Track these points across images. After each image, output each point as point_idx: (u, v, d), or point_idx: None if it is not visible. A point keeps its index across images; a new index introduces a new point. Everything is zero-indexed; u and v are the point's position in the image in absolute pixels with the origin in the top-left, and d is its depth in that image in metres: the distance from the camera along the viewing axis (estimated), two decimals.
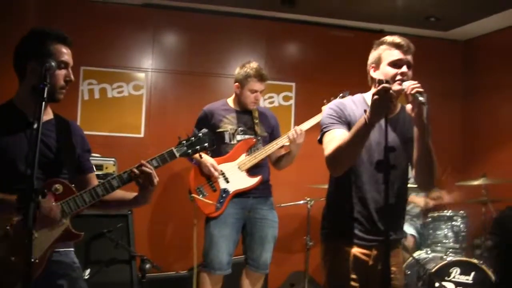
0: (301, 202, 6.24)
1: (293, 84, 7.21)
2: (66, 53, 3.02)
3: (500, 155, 7.06)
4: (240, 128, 5.26)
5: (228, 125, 5.24)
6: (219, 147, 5.16)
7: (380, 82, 3.10)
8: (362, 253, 3.34)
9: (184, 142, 3.27)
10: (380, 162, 3.26)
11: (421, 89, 3.05)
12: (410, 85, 3.07)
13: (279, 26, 7.26)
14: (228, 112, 5.29)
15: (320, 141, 3.36)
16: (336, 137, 3.23)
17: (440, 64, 7.80)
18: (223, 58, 7.06)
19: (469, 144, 7.77)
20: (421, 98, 3.03)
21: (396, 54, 3.31)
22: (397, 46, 3.32)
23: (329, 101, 4.87)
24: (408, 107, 3.15)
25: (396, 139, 3.39)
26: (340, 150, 3.14)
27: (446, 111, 7.83)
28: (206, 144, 3.31)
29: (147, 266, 5.00)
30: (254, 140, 5.25)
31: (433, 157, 3.28)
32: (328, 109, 3.39)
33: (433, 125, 7.22)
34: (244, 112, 5.33)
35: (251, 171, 5.23)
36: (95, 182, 3.19)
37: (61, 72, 3.00)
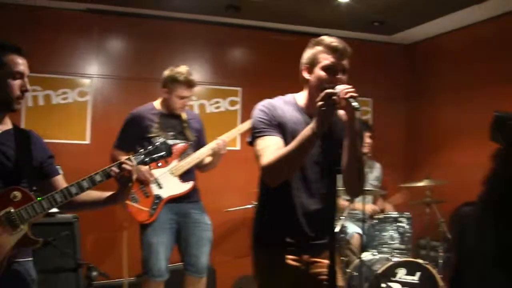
0: (249, 206, 6.25)
1: (239, 89, 7.24)
2: (21, 64, 3.07)
3: (443, 157, 7.19)
4: (170, 133, 5.24)
5: (158, 130, 5.19)
6: None
7: (324, 87, 3.07)
8: (293, 259, 3.28)
9: (142, 150, 3.27)
10: (310, 167, 3.22)
11: (355, 94, 2.94)
12: (344, 89, 2.95)
13: (225, 31, 7.27)
14: (156, 116, 5.25)
15: (251, 144, 3.28)
16: (272, 146, 3.14)
17: (385, 68, 7.92)
18: (169, 63, 6.91)
19: (413, 146, 7.91)
20: (354, 104, 2.92)
21: (331, 59, 3.19)
22: (333, 50, 3.18)
23: None
24: (341, 112, 3.07)
25: (328, 145, 3.30)
26: (282, 161, 3.06)
27: (390, 114, 7.96)
28: (164, 153, 3.32)
29: (94, 273, 4.92)
30: (186, 145, 5.23)
31: (363, 165, 3.22)
32: (258, 111, 3.27)
33: (378, 128, 7.38)
34: (172, 116, 5.30)
35: (183, 176, 5.22)
36: (63, 184, 3.21)
37: (17, 83, 3.04)
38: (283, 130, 3.23)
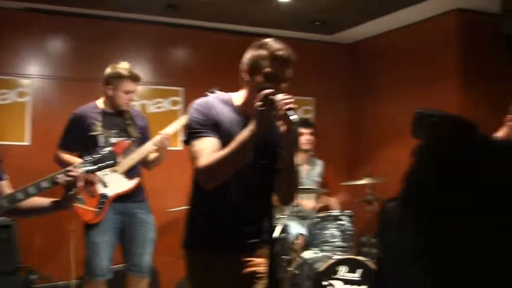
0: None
1: (181, 89, 7.21)
2: None
3: (383, 155, 7.29)
4: (113, 131, 5.19)
5: (101, 128, 5.14)
6: (93, 151, 5.09)
7: (262, 88, 3.05)
8: (228, 259, 3.27)
9: (89, 158, 3.25)
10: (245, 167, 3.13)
11: (293, 106, 2.90)
12: (283, 101, 2.90)
13: (166, 31, 7.24)
14: (99, 115, 5.20)
15: (187, 143, 3.21)
16: (208, 148, 3.10)
17: (327, 67, 7.99)
18: (110, 63, 6.93)
19: (355, 144, 7.99)
20: (293, 117, 2.88)
21: (274, 67, 3.11)
22: (277, 58, 3.11)
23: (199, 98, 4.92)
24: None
25: (263, 146, 3.22)
26: (220, 163, 3.03)
27: (333, 113, 8.02)
28: (110, 162, 3.30)
29: (33, 277, 4.88)
30: (129, 142, 5.20)
31: (297, 176, 3.23)
32: (193, 110, 3.21)
33: (321, 127, 7.44)
34: (116, 114, 5.26)
35: (128, 173, 5.19)
36: (8, 190, 3.16)
37: None
38: (218, 130, 3.18)
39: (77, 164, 3.17)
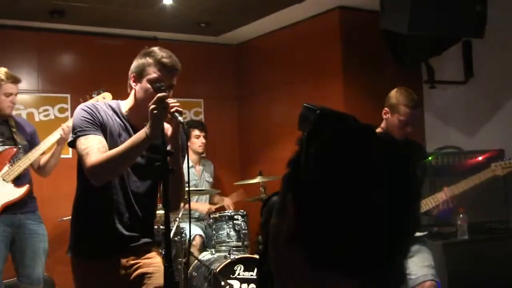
0: None
1: (68, 96, 7.06)
2: None
3: (273, 153, 7.38)
4: None
5: None
6: None
7: (156, 88, 3.12)
8: (114, 264, 3.30)
9: None
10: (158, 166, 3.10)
11: (180, 109, 3.02)
12: (170, 103, 3.01)
13: (50, 37, 7.06)
14: None
15: (72, 144, 3.23)
16: (97, 145, 3.13)
17: (215, 68, 8.02)
18: None
19: (245, 144, 8.07)
20: (180, 118, 3.00)
21: (159, 73, 3.21)
22: (162, 65, 3.21)
23: (85, 100, 4.89)
24: (166, 126, 3.12)
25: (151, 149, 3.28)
26: (112, 161, 3.07)
27: (223, 114, 8.07)
28: None
29: None
30: (16, 149, 5.09)
31: (183, 180, 3.28)
32: (81, 110, 3.24)
33: (211, 128, 7.47)
34: (0, 122, 5.14)
35: (17, 181, 5.06)
36: None
37: None
38: (105, 133, 3.22)
39: None
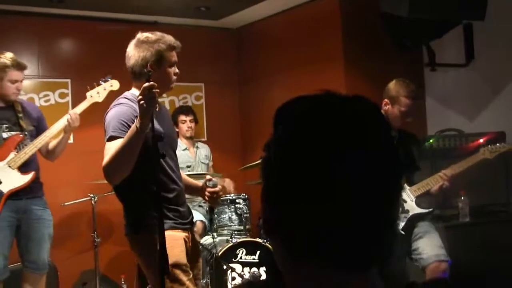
0: (85, 199, 6.14)
1: (69, 81, 7.05)
2: None
3: None
4: (5, 125, 5.06)
5: None
6: None
7: (147, 76, 3.14)
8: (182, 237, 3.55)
9: None
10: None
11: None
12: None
13: (51, 23, 7.03)
14: None
15: (109, 140, 3.34)
16: (113, 147, 3.24)
17: (216, 52, 8.00)
18: None
19: (247, 129, 8.06)
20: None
21: (175, 56, 3.53)
22: (175, 48, 3.53)
23: (92, 87, 4.90)
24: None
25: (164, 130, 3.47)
26: (115, 160, 3.17)
27: (224, 99, 8.06)
28: None
29: None
30: (22, 136, 5.08)
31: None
32: (127, 110, 3.39)
33: (212, 113, 7.47)
34: (5, 107, 5.13)
35: (22, 168, 5.05)
36: None
37: None
38: None
39: None
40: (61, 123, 5.14)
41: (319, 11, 6.85)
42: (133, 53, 3.49)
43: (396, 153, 1.10)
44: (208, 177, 3.85)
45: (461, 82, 6.61)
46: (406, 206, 4.75)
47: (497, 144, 4.97)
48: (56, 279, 5.98)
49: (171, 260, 3.15)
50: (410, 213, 4.74)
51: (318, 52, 6.85)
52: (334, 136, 1.03)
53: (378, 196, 1.04)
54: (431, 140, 5.66)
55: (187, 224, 3.64)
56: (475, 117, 6.49)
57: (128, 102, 3.45)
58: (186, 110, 7.08)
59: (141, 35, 3.53)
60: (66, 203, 6.13)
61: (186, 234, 3.60)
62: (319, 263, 1.04)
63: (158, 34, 3.51)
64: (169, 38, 3.52)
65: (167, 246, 3.13)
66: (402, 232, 4.66)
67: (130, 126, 3.25)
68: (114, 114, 3.40)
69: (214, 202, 3.98)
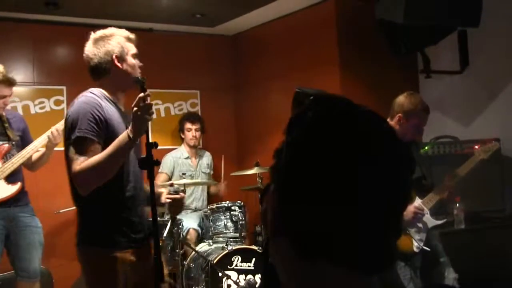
0: None
1: (64, 88, 7.03)
2: None
3: (270, 144, 7.35)
4: None
5: None
6: None
7: (138, 81, 3.11)
8: (131, 254, 3.24)
9: None
10: (143, 159, 3.09)
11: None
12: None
13: (46, 29, 7.02)
14: None
15: (77, 140, 3.14)
16: (90, 153, 3.08)
17: (211, 59, 7.99)
18: None
19: (242, 135, 8.06)
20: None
21: (134, 48, 3.44)
22: (133, 39, 3.46)
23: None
24: None
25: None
26: (97, 169, 3.01)
27: (219, 105, 8.05)
28: None
29: None
30: (9, 145, 5.07)
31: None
32: (86, 111, 3.18)
33: (208, 119, 7.46)
34: None
35: (9, 178, 5.04)
36: None
37: None
38: (108, 129, 3.20)
39: None
40: (43, 139, 5.11)
41: (315, 17, 6.85)
42: (93, 51, 3.40)
43: (410, 162, 1.13)
44: (170, 182, 3.74)
45: (456, 89, 6.62)
46: (424, 219, 4.72)
47: (487, 144, 4.99)
48: (51, 286, 5.97)
49: None
50: (429, 226, 4.72)
51: (313, 58, 6.85)
52: (352, 142, 1.05)
53: (391, 204, 1.07)
54: (426, 147, 5.65)
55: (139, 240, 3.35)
56: (470, 124, 6.49)
57: (94, 97, 3.29)
58: (193, 117, 7.07)
59: (95, 34, 3.47)
60: (60, 211, 6.11)
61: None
62: (329, 263, 1.06)
63: (112, 29, 3.45)
64: (124, 31, 3.45)
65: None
66: (427, 249, 4.64)
67: (99, 126, 3.13)
68: (80, 110, 3.21)
69: (175, 210, 3.65)
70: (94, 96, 3.29)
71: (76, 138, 3.13)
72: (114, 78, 3.32)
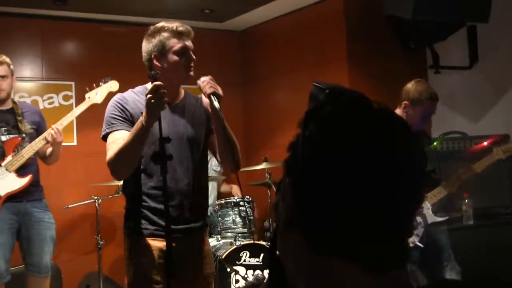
0: (89, 201, 6.14)
1: (72, 83, 7.04)
2: None
3: (278, 139, 7.37)
4: (3, 128, 5.06)
5: None
6: None
7: (153, 77, 3.13)
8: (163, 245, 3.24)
9: None
10: (156, 153, 3.25)
11: (218, 90, 3.30)
12: (207, 83, 3.29)
13: (54, 25, 7.03)
14: None
15: (104, 139, 3.33)
16: (117, 140, 3.22)
17: (219, 55, 7.99)
18: None
19: (250, 131, 8.05)
20: (216, 104, 3.22)
21: (181, 42, 3.36)
22: (180, 33, 3.36)
23: (91, 89, 4.88)
24: (205, 100, 3.40)
25: (183, 127, 3.45)
26: (120, 155, 3.15)
27: (227, 101, 7.99)
28: None
29: None
30: (20, 138, 5.07)
31: (234, 141, 3.48)
32: (110, 106, 3.35)
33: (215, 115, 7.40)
34: (5, 111, 5.15)
35: (20, 171, 5.05)
36: None
37: None
38: (133, 122, 3.28)
39: None
40: (45, 134, 5.11)
41: (323, 13, 6.83)
42: (143, 48, 3.42)
43: (424, 156, 1.13)
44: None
45: (465, 85, 6.60)
46: (424, 214, 4.71)
47: (509, 143, 4.95)
48: (59, 281, 5.99)
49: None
50: (428, 221, 4.70)
51: (322, 54, 6.84)
52: (372, 137, 1.05)
53: (411, 200, 1.08)
54: (435, 143, 5.64)
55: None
56: (479, 120, 6.48)
57: (122, 94, 3.45)
58: None
59: (148, 28, 3.46)
60: (70, 206, 6.14)
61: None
62: (344, 259, 1.06)
63: (160, 24, 3.39)
64: (172, 25, 3.37)
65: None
66: (420, 245, 4.62)
67: (120, 117, 3.30)
68: (106, 109, 3.42)
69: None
70: (125, 93, 3.44)
71: (103, 137, 3.35)
72: (160, 75, 3.34)
